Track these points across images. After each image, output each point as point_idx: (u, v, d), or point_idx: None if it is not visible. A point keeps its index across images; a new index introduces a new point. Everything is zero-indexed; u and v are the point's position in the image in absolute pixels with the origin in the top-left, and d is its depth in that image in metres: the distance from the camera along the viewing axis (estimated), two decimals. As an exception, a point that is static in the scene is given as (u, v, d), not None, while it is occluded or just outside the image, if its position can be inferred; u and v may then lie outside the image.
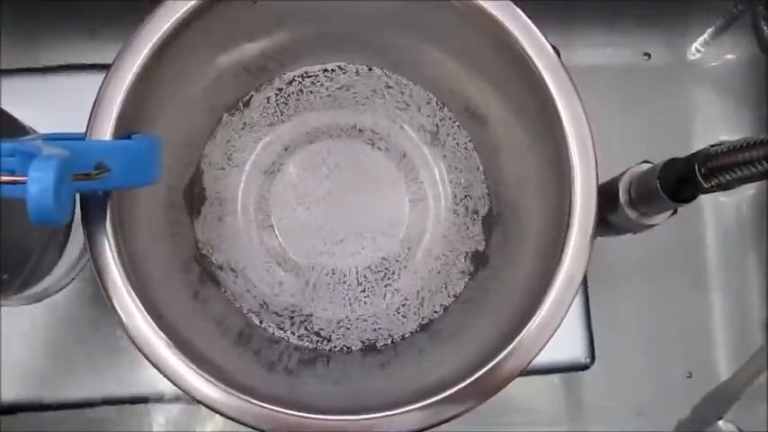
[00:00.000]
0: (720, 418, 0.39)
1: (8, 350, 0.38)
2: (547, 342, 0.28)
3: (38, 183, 0.19)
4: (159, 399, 0.39)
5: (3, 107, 0.31)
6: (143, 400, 0.39)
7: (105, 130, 0.28)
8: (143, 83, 0.29)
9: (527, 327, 0.28)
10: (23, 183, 0.19)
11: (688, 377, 0.42)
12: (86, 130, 0.28)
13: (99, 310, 0.38)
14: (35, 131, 0.32)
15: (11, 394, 0.38)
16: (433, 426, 0.28)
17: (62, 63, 0.40)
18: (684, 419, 0.40)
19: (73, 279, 0.38)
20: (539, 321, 0.28)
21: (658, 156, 0.29)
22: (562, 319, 0.28)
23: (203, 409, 0.28)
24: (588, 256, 0.29)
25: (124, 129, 0.28)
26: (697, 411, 0.39)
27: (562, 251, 0.28)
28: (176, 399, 0.39)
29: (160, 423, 0.40)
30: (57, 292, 0.38)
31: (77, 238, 0.34)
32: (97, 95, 0.28)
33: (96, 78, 0.28)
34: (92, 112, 0.28)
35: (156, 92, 0.30)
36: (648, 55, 0.44)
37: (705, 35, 0.45)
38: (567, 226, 0.29)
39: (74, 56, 0.40)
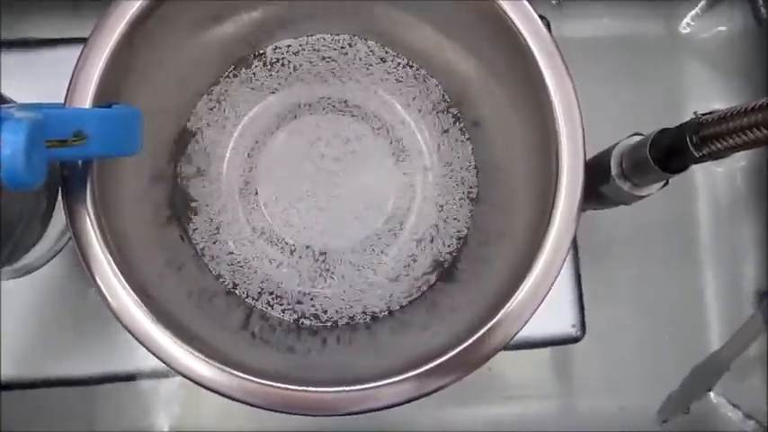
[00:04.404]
0: (710, 390, 0.39)
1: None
2: (532, 315, 0.28)
3: (9, 145, 0.19)
4: (151, 375, 0.39)
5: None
6: (133, 377, 0.39)
7: (84, 100, 0.27)
8: (123, 54, 0.28)
9: (512, 299, 0.28)
10: (-5, 146, 0.19)
11: (679, 350, 0.42)
12: (65, 99, 0.27)
13: (85, 283, 0.38)
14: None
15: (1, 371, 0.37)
16: (420, 396, 0.28)
17: (46, 37, 0.39)
18: (674, 392, 0.40)
19: (58, 253, 0.38)
20: (524, 293, 0.28)
21: (650, 128, 0.29)
22: (548, 292, 0.28)
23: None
24: (575, 227, 0.28)
25: (104, 99, 0.28)
26: (687, 384, 0.39)
27: (549, 222, 0.28)
28: (170, 375, 0.39)
29: (154, 399, 0.40)
30: (42, 265, 0.37)
31: (61, 211, 0.34)
32: (76, 65, 0.28)
33: (79, 52, 0.28)
34: (71, 81, 0.28)
35: (136, 64, 0.30)
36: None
37: (697, 8, 0.44)
38: (554, 197, 0.28)
39: (57, 30, 0.40)
